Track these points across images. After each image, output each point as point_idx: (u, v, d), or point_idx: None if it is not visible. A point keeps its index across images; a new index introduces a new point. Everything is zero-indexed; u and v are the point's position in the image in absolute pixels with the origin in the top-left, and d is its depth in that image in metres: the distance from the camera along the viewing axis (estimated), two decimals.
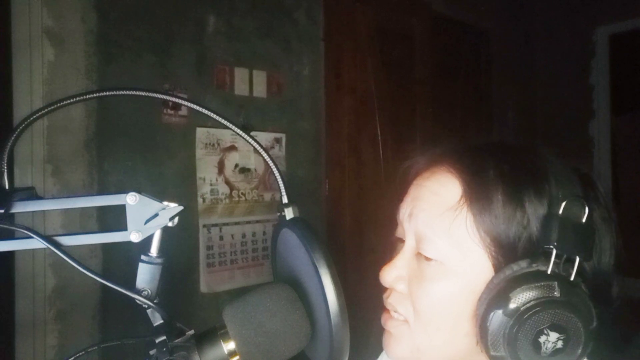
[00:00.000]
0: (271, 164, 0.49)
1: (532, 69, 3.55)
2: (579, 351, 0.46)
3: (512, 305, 0.46)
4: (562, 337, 0.45)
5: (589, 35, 3.32)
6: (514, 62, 3.40)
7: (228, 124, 0.48)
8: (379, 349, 0.75)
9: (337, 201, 2.37)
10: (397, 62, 2.62)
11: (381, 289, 0.59)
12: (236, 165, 2.00)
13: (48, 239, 0.41)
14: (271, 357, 0.43)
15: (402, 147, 2.53)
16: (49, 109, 0.45)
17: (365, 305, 0.61)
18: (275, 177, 0.49)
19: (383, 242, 0.64)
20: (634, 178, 3.26)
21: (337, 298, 0.41)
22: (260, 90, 2.08)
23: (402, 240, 0.59)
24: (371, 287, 0.60)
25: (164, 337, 0.43)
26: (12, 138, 0.43)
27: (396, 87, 2.60)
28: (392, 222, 0.62)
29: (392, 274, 0.57)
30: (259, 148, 0.49)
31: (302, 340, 0.44)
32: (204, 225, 1.90)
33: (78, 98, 0.46)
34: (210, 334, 0.44)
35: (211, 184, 1.92)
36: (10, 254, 1.50)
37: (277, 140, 2.14)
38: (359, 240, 2.38)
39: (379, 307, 0.60)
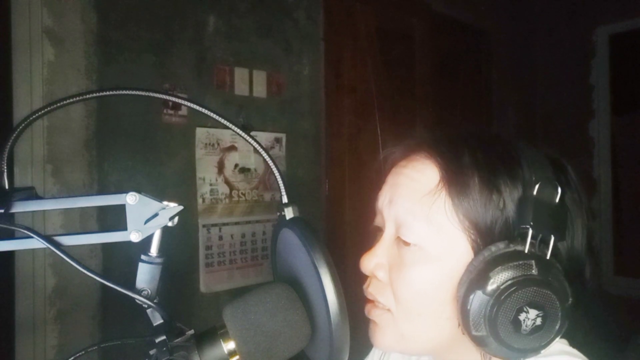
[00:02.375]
0: (271, 164, 0.49)
1: (532, 69, 3.55)
2: (557, 327, 0.48)
3: (492, 285, 0.47)
4: (540, 315, 0.47)
5: (589, 35, 3.32)
6: (514, 62, 3.40)
7: (228, 124, 0.48)
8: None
9: (337, 201, 2.37)
10: (397, 62, 2.62)
11: (362, 280, 0.60)
12: (236, 165, 2.00)
13: (48, 239, 0.41)
14: (271, 357, 0.43)
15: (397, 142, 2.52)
16: (49, 109, 0.45)
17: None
18: (275, 177, 0.49)
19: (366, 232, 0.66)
20: (634, 178, 3.26)
21: (337, 298, 0.41)
22: (260, 90, 2.08)
23: (380, 230, 0.60)
24: (361, 291, 0.60)
25: (164, 337, 0.43)
26: (12, 138, 0.44)
27: (396, 87, 2.60)
28: (370, 211, 0.63)
29: (372, 262, 0.57)
30: (259, 148, 0.49)
31: (302, 340, 0.44)
32: (204, 225, 1.90)
33: (78, 98, 0.46)
34: (210, 334, 0.44)
35: (211, 184, 1.92)
36: (10, 254, 1.50)
37: (277, 140, 2.14)
38: (359, 240, 2.38)
39: (363, 297, 0.60)
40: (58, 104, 0.45)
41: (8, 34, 1.55)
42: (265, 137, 2.09)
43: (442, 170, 0.54)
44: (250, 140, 0.49)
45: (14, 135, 0.43)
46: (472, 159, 0.53)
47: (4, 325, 1.59)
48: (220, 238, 1.95)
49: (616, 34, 3.26)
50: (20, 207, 0.43)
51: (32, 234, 0.41)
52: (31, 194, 0.45)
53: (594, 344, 0.49)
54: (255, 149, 0.49)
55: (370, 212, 0.63)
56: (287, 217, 0.48)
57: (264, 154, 0.49)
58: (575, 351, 0.54)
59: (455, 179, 0.52)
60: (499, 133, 0.60)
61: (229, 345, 0.43)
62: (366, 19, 2.44)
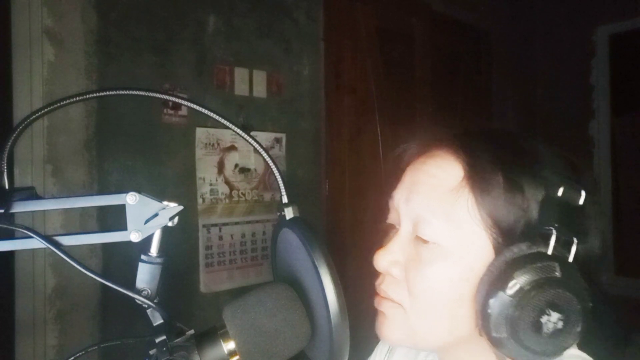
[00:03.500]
0: (271, 164, 0.49)
1: (532, 69, 3.55)
2: (577, 330, 0.47)
3: (515, 287, 0.46)
4: (562, 317, 0.46)
5: (589, 35, 3.32)
6: (514, 62, 3.40)
7: (228, 124, 0.48)
8: (376, 345, 0.75)
9: (337, 201, 2.37)
10: (397, 62, 2.62)
11: (375, 275, 0.59)
12: (236, 165, 2.00)
13: (48, 239, 0.41)
14: (271, 357, 0.43)
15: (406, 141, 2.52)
16: (49, 109, 0.45)
17: (365, 305, 0.61)
18: (275, 177, 0.49)
19: (377, 227, 0.65)
20: (634, 178, 3.26)
21: (337, 298, 0.41)
22: (260, 90, 2.08)
23: (394, 227, 0.59)
24: (371, 287, 0.59)
25: (164, 337, 0.43)
26: (12, 138, 0.44)
27: (396, 87, 2.60)
28: (384, 207, 0.61)
29: (387, 258, 0.56)
30: (259, 148, 0.49)
31: (302, 340, 0.44)
32: (204, 225, 1.90)
33: (78, 98, 0.46)
34: (210, 334, 0.44)
35: (211, 184, 1.92)
36: (10, 254, 1.50)
37: (277, 140, 2.14)
38: (359, 240, 2.38)
39: (374, 291, 0.60)
40: (58, 104, 0.45)
41: (8, 34, 1.55)
42: (265, 137, 2.09)
43: (466, 167, 0.53)
44: (250, 140, 0.49)
45: (14, 135, 0.43)
46: (495, 156, 0.52)
47: (4, 325, 1.59)
48: (220, 238, 1.95)
49: (616, 34, 3.26)
50: (20, 207, 0.43)
51: (32, 234, 0.41)
52: (31, 194, 0.45)
53: (594, 344, 0.49)
54: (255, 149, 0.49)
55: (383, 209, 0.61)
56: (287, 217, 0.48)
57: (264, 154, 0.49)
58: (585, 355, 0.53)
59: (479, 175, 0.51)
60: (519, 131, 0.60)
61: (229, 345, 0.43)
62: (366, 19, 2.44)
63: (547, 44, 3.50)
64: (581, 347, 0.54)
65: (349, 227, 2.38)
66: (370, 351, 0.76)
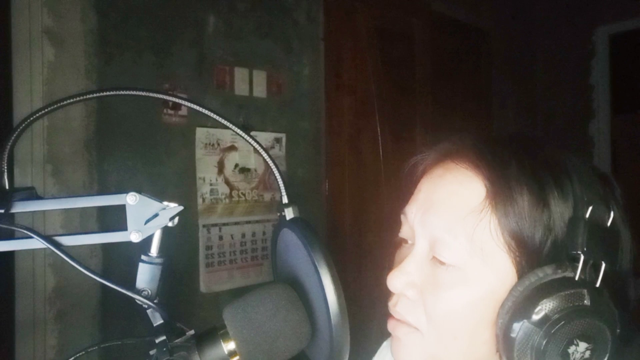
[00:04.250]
0: (271, 164, 0.49)
1: (532, 69, 3.55)
2: (605, 359, 0.45)
3: (541, 315, 0.43)
4: (590, 347, 0.44)
5: (589, 35, 3.32)
6: (514, 61, 3.40)
7: (228, 124, 0.48)
8: (376, 348, 0.75)
9: (337, 201, 2.37)
10: (397, 62, 2.62)
11: (385, 293, 0.56)
12: (236, 165, 2.00)
13: (48, 239, 0.41)
14: (271, 357, 0.43)
15: (402, 147, 2.53)
16: (49, 109, 0.45)
17: (365, 305, 0.61)
18: (275, 177, 0.49)
19: (383, 242, 0.63)
20: (634, 178, 3.25)
21: (337, 298, 0.41)
22: (260, 90, 2.08)
23: (407, 241, 0.56)
24: (371, 287, 0.59)
25: (164, 337, 0.43)
26: (12, 138, 0.43)
27: (396, 87, 2.60)
28: (394, 221, 0.58)
29: (402, 280, 0.52)
30: (259, 148, 0.49)
31: (302, 341, 0.44)
32: (204, 225, 1.90)
33: (78, 98, 0.46)
34: (210, 334, 0.44)
35: (211, 184, 1.92)
36: (10, 254, 1.50)
37: (277, 140, 2.14)
38: (359, 240, 2.38)
39: (378, 307, 0.57)
40: (58, 104, 0.45)
41: (8, 34, 1.55)
42: (265, 137, 2.09)
43: (489, 184, 0.49)
44: (250, 140, 0.49)
45: (14, 135, 0.43)
46: (520, 170, 0.48)
47: (4, 325, 1.59)
48: (221, 238, 1.95)
49: (616, 34, 3.26)
50: (20, 207, 0.43)
51: (32, 234, 0.41)
52: (31, 194, 0.45)
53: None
54: (255, 149, 0.49)
55: (394, 223, 0.57)
56: (287, 218, 0.48)
57: (264, 154, 0.49)
58: None
59: (503, 193, 0.47)
60: (542, 137, 0.56)
61: (229, 346, 0.43)
62: (366, 19, 2.44)
63: (547, 44, 3.50)
64: None
65: (349, 227, 2.38)
66: (370, 351, 0.76)
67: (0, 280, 1.58)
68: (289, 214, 0.48)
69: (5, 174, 0.43)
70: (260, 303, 0.44)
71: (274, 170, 0.49)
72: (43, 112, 0.44)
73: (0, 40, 1.55)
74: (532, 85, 3.56)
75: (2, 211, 0.41)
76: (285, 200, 0.48)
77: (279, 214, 0.49)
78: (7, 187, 0.43)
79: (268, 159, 0.49)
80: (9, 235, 0.41)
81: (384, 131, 2.49)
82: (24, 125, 0.44)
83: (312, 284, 0.43)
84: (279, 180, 0.49)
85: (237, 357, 0.43)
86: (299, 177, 2.22)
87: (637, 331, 0.51)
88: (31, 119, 0.44)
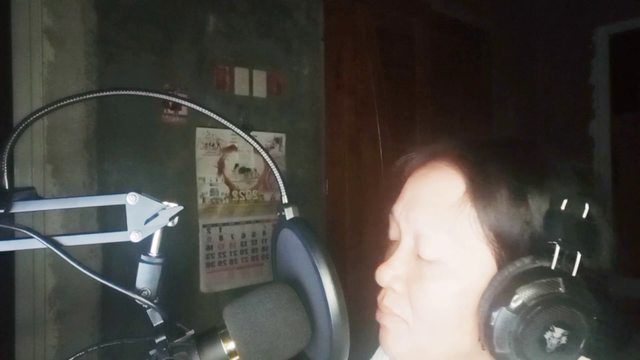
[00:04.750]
0: (271, 164, 0.49)
1: (532, 69, 3.55)
2: (581, 346, 0.47)
3: (518, 302, 0.46)
4: (566, 333, 0.46)
5: (589, 35, 3.32)
6: (514, 62, 3.40)
7: (228, 124, 0.48)
8: (376, 348, 0.75)
9: (337, 201, 2.37)
10: (397, 62, 2.62)
11: (376, 290, 0.58)
12: (236, 165, 2.00)
13: (48, 239, 0.41)
14: (271, 357, 0.43)
15: (402, 147, 2.52)
16: (49, 109, 0.45)
17: (365, 305, 0.61)
18: (275, 177, 0.49)
19: (380, 241, 0.64)
20: (634, 178, 3.26)
21: (337, 298, 0.41)
22: (260, 90, 2.08)
23: (396, 240, 0.58)
24: (371, 287, 0.59)
25: (164, 337, 0.43)
26: (12, 138, 0.43)
27: (396, 87, 2.60)
28: (385, 220, 0.60)
29: (389, 274, 0.55)
30: (259, 148, 0.49)
31: (302, 341, 0.44)
32: (204, 225, 1.90)
33: (78, 98, 0.46)
34: (210, 334, 0.44)
35: (211, 184, 1.92)
36: (10, 254, 1.50)
37: (277, 140, 2.14)
38: (358, 240, 2.38)
39: (375, 306, 0.59)
40: (58, 104, 0.45)
41: (8, 34, 1.55)
42: (265, 137, 2.09)
43: (468, 180, 0.51)
44: (250, 140, 0.49)
45: (14, 135, 0.43)
46: (499, 168, 0.51)
47: (4, 325, 1.59)
48: (221, 238, 1.95)
49: (616, 34, 3.26)
50: (20, 207, 0.43)
51: (32, 234, 0.41)
52: (31, 194, 0.45)
53: (594, 345, 0.49)
54: (255, 149, 0.49)
55: (383, 221, 0.60)
56: (287, 217, 0.48)
57: (264, 154, 0.49)
58: None
59: (482, 189, 0.50)
60: (525, 139, 0.59)
61: (229, 346, 0.43)
62: (366, 19, 2.44)
63: (547, 44, 3.50)
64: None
65: (349, 227, 2.38)
66: (370, 351, 0.76)
67: (0, 280, 1.58)
68: (289, 213, 0.48)
69: (5, 174, 0.43)
70: (260, 303, 0.44)
71: (274, 170, 0.49)
72: (43, 112, 0.44)
73: (0, 40, 1.55)
74: (532, 85, 3.56)
75: (2, 211, 0.41)
76: (285, 200, 0.49)
77: (279, 214, 0.49)
78: (7, 187, 0.43)
79: (268, 159, 0.49)
80: (9, 235, 0.41)
81: (384, 131, 2.49)
82: (24, 125, 0.44)
83: (312, 284, 0.43)
84: (279, 180, 0.49)
85: (237, 357, 0.43)
86: (299, 177, 2.22)
87: (637, 331, 0.51)
88: (31, 119, 0.44)
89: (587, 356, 0.52)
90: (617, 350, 0.46)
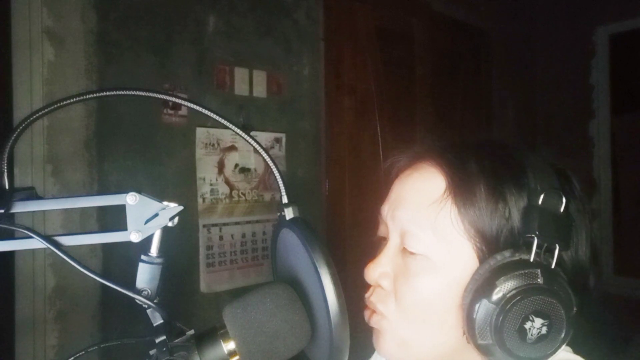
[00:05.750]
0: (271, 164, 0.49)
1: (532, 69, 3.55)
2: (562, 336, 0.48)
3: (498, 294, 0.47)
4: (545, 323, 0.47)
5: (589, 35, 3.32)
6: (514, 62, 3.40)
7: (228, 124, 0.48)
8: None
9: (337, 201, 2.37)
10: (397, 62, 2.62)
11: (365, 288, 0.60)
12: (236, 165, 2.00)
13: (48, 239, 0.41)
14: (271, 357, 0.43)
15: (402, 147, 2.52)
16: (49, 109, 0.45)
17: (365, 305, 0.61)
18: (275, 177, 0.49)
19: (369, 242, 0.65)
20: (634, 178, 3.26)
21: (337, 298, 0.41)
22: (260, 90, 2.08)
23: (384, 239, 0.60)
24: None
25: (164, 337, 0.43)
26: (12, 138, 0.43)
27: (396, 87, 2.60)
28: (374, 221, 0.62)
29: (377, 271, 0.57)
30: (259, 148, 0.49)
31: (302, 341, 0.44)
32: (204, 225, 1.90)
33: (78, 98, 0.46)
34: (210, 334, 0.44)
35: (211, 184, 1.92)
36: (10, 254, 1.50)
37: (277, 140, 2.14)
38: (358, 240, 2.38)
39: (364, 305, 0.61)
40: (58, 104, 0.45)
41: (8, 34, 1.55)
42: (265, 137, 2.09)
43: (448, 179, 0.53)
44: (250, 140, 0.49)
45: (14, 135, 0.43)
46: (478, 167, 0.53)
47: (4, 325, 1.59)
48: (221, 238, 1.95)
49: (616, 34, 3.26)
50: (20, 207, 0.43)
51: (32, 234, 0.41)
52: (31, 194, 0.45)
53: (594, 345, 0.49)
54: (255, 149, 0.49)
55: (373, 222, 0.63)
56: (287, 217, 0.48)
57: (264, 154, 0.49)
58: (580, 358, 0.54)
59: (461, 187, 0.52)
60: (505, 141, 0.61)
61: (229, 346, 0.43)
62: (366, 19, 2.44)
63: (547, 44, 3.50)
64: (581, 347, 0.54)
65: (349, 227, 2.38)
66: (370, 351, 0.76)
67: (0, 280, 1.58)
68: (289, 213, 0.48)
69: (5, 174, 0.43)
70: (260, 303, 0.44)
71: (274, 170, 0.49)
72: (43, 112, 0.44)
73: (0, 40, 1.55)
74: (532, 85, 3.56)
75: (2, 211, 0.41)
76: (285, 200, 0.49)
77: (278, 214, 0.49)
78: (7, 187, 0.43)
79: (268, 159, 0.49)
80: (9, 235, 0.41)
81: (384, 131, 2.49)
82: (24, 125, 0.44)
83: (312, 283, 0.43)
84: (278, 180, 0.49)
85: (237, 357, 0.43)
86: (299, 177, 2.22)
87: (637, 331, 0.52)
88: (31, 119, 0.44)
89: (584, 357, 0.53)
90: (617, 351, 0.47)
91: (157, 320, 0.44)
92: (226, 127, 0.49)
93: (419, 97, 2.74)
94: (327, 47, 2.33)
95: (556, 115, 3.47)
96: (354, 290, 0.63)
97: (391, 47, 2.58)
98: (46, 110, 0.44)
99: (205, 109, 0.48)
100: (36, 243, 0.41)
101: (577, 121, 3.37)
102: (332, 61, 2.35)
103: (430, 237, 0.53)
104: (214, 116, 0.48)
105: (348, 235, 2.37)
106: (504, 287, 0.47)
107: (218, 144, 1.94)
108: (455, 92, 3.02)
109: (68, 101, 0.45)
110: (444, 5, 2.86)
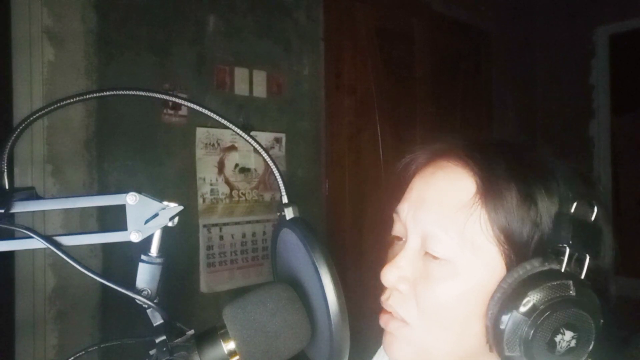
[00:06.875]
0: (271, 164, 0.49)
1: (532, 69, 3.55)
2: (589, 349, 0.47)
3: (529, 305, 0.45)
4: (575, 336, 0.45)
5: (589, 35, 3.32)
6: (514, 62, 3.40)
7: (228, 124, 0.48)
8: (377, 348, 0.75)
9: (337, 201, 2.37)
10: (397, 62, 2.62)
11: (380, 290, 0.57)
12: (236, 165, 2.00)
13: (48, 239, 0.41)
14: (271, 357, 0.43)
15: (402, 147, 2.52)
16: (49, 109, 0.44)
17: (365, 305, 0.61)
18: (275, 177, 0.49)
19: (382, 242, 0.63)
20: (634, 178, 3.26)
21: (337, 298, 0.41)
22: (260, 90, 2.08)
23: (400, 239, 0.57)
24: (371, 287, 0.59)
25: (164, 337, 0.43)
26: (12, 138, 0.43)
27: (396, 87, 2.60)
28: (388, 219, 0.59)
29: (395, 274, 0.54)
30: (259, 148, 0.49)
31: (302, 341, 0.44)
32: (204, 225, 1.90)
33: (78, 98, 0.46)
34: (210, 334, 0.44)
35: (211, 184, 1.92)
36: (10, 254, 1.50)
37: (277, 140, 2.14)
38: (358, 240, 2.38)
39: (379, 307, 0.58)
40: (58, 104, 0.45)
41: (8, 34, 1.55)
42: (265, 137, 2.09)
43: (479, 180, 0.51)
44: (250, 140, 0.49)
45: (14, 135, 0.43)
46: (508, 169, 0.50)
47: (4, 325, 1.59)
48: (221, 238, 1.95)
49: (616, 34, 3.26)
50: (20, 207, 0.43)
51: (32, 234, 0.41)
52: (31, 194, 0.45)
53: (594, 345, 0.49)
54: (255, 149, 0.49)
55: (381, 221, 0.60)
56: (287, 217, 0.48)
57: (264, 154, 0.49)
58: None
59: (493, 190, 0.50)
60: (528, 141, 0.59)
61: (229, 346, 0.43)
62: (366, 19, 2.44)
63: (547, 44, 3.50)
64: None
65: (349, 227, 2.38)
66: (370, 351, 0.76)
67: (0, 280, 1.58)
68: (289, 213, 0.48)
69: (5, 174, 0.43)
70: (261, 303, 0.44)
71: (274, 170, 0.49)
72: (43, 112, 0.44)
73: (0, 40, 1.55)
74: (532, 85, 3.56)
75: (2, 211, 0.41)
76: (285, 200, 0.48)
77: (278, 214, 0.49)
78: (7, 187, 0.43)
79: (268, 159, 0.49)
80: (9, 235, 0.41)
81: (384, 131, 2.49)
82: (24, 125, 0.44)
83: (312, 284, 0.43)
84: (279, 180, 0.49)
85: (237, 357, 0.43)
86: (299, 177, 2.22)
87: (637, 331, 0.51)
88: (31, 119, 0.44)
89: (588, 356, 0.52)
90: (617, 351, 0.46)
91: (157, 320, 0.44)
92: (226, 127, 0.49)
93: (419, 97, 2.74)
94: (327, 47, 2.33)
95: (556, 115, 3.46)
96: (354, 291, 0.62)
97: (391, 47, 2.58)
98: (46, 110, 0.44)
99: (205, 109, 0.48)
100: (36, 243, 0.41)
101: (577, 121, 3.37)
102: (332, 61, 2.35)
103: (456, 241, 0.50)
104: (214, 116, 0.48)
105: (348, 235, 2.37)
106: (536, 299, 0.45)
107: (218, 144, 1.94)
108: (456, 92, 3.02)
109: (68, 101, 0.45)
110: (444, 5, 2.86)
